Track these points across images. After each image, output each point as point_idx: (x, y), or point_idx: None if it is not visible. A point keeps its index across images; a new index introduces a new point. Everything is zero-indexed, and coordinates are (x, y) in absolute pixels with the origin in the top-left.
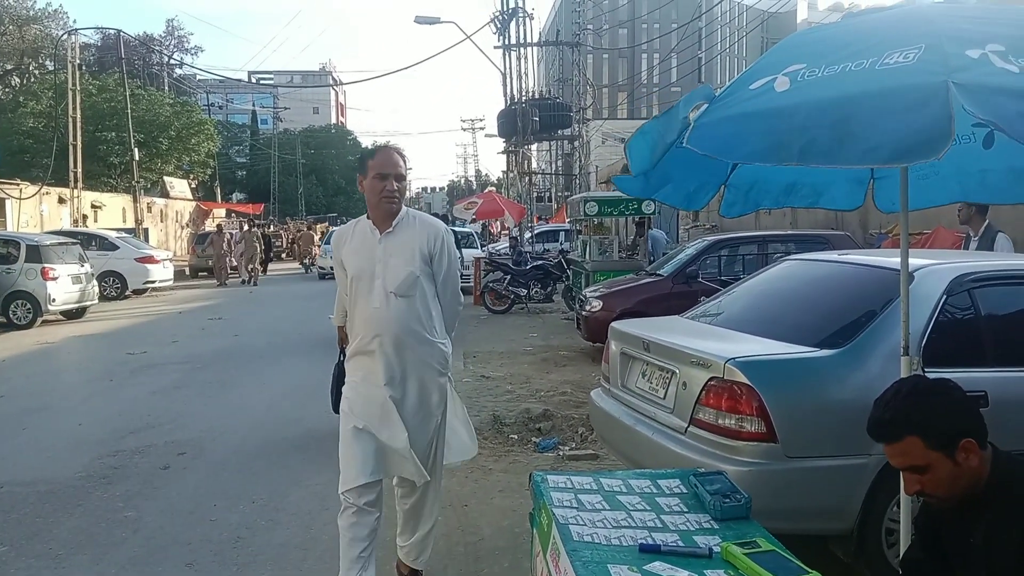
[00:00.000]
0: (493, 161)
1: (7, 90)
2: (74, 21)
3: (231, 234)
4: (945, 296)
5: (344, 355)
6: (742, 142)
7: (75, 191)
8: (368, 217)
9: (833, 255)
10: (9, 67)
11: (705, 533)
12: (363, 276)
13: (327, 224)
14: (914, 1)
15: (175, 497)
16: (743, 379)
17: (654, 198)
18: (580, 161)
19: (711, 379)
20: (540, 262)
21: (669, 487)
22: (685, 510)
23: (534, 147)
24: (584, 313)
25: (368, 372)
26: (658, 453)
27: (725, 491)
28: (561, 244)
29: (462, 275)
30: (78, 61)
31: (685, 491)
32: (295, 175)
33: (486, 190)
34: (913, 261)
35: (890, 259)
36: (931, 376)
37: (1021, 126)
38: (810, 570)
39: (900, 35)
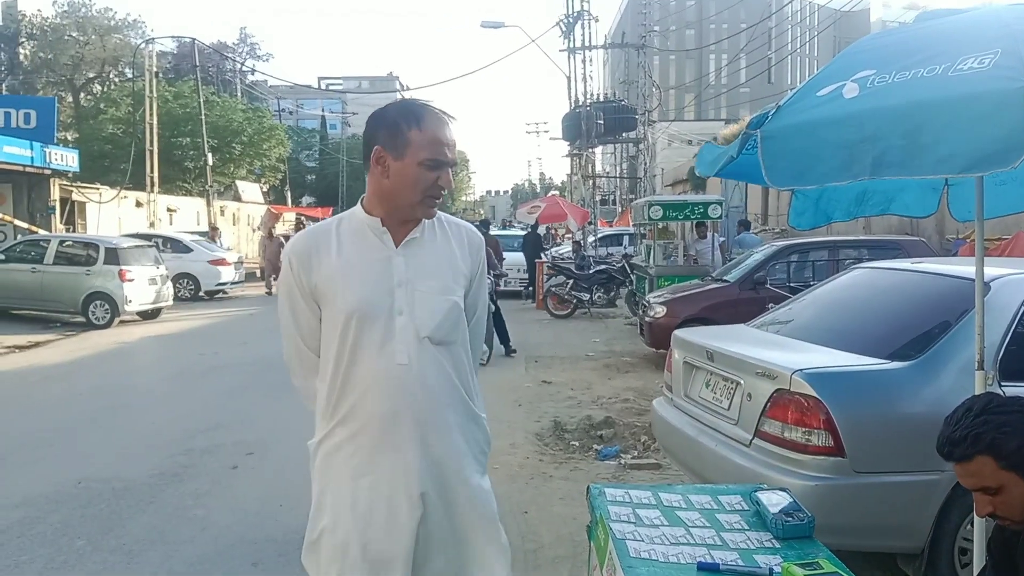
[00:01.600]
0: (557, 164)
1: (89, 98)
2: (152, 30)
3: (284, 238)
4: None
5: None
6: (815, 161)
7: (151, 195)
8: (368, 213)
9: (906, 263)
10: (91, 75)
11: (766, 552)
12: (374, 313)
13: None
14: (989, 3)
15: (242, 496)
16: (810, 391)
17: (724, 176)
18: (645, 164)
19: (777, 391)
20: (603, 266)
21: (730, 503)
22: (746, 528)
23: (599, 150)
24: (647, 319)
25: (382, 480)
26: (722, 465)
27: (788, 509)
28: (625, 248)
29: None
30: (155, 69)
31: (747, 508)
32: (363, 179)
33: (549, 194)
34: (990, 271)
35: (965, 268)
36: (1008, 392)
37: None
38: None
39: (974, 39)
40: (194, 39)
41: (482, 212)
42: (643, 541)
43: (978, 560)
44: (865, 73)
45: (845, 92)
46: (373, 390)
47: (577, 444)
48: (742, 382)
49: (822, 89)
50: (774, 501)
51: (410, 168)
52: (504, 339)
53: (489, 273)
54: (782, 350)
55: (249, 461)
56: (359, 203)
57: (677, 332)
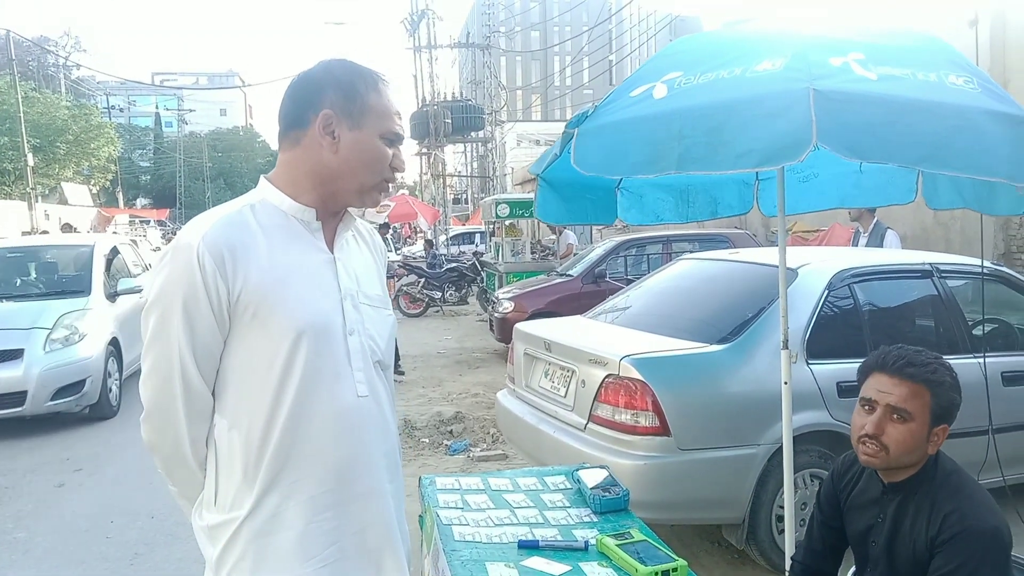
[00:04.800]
0: (409, 163)
1: None
2: None
3: None
4: (827, 291)
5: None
6: (624, 155)
7: None
8: (293, 199)
9: (725, 254)
10: None
11: (584, 526)
12: (329, 331)
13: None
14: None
15: (70, 515)
16: (637, 376)
17: (580, 223)
18: (493, 163)
19: (608, 376)
20: (454, 264)
21: (554, 483)
22: (568, 505)
23: (449, 149)
24: (497, 314)
25: (349, 554)
26: (560, 450)
27: (605, 485)
28: (476, 246)
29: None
30: None
31: (570, 487)
32: (202, 179)
33: (398, 193)
34: (798, 258)
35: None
36: (814, 369)
37: (866, 137)
38: (678, 558)
39: (770, 44)
40: (8, 30)
41: None
42: (468, 525)
43: (789, 527)
44: (673, 75)
45: (655, 93)
46: (332, 432)
47: (427, 441)
48: (577, 370)
49: (634, 90)
50: (593, 478)
51: (369, 141)
52: (396, 355)
53: None
54: (613, 338)
55: (77, 478)
56: (268, 185)
57: (518, 325)
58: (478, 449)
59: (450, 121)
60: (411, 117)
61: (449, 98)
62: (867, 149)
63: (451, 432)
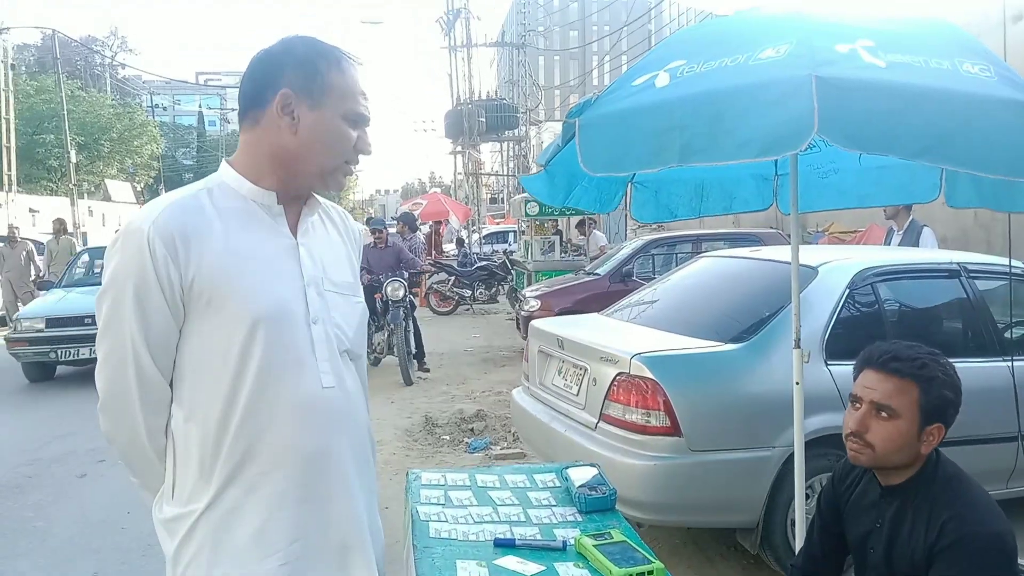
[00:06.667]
0: (447, 163)
1: None
2: (2, 22)
3: (34, 243)
4: (848, 290)
5: None
6: (628, 149)
7: (9, 195)
8: (253, 183)
9: (747, 251)
10: None
11: (567, 526)
12: (289, 320)
13: None
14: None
15: (88, 506)
16: (648, 374)
17: (567, 205)
18: (527, 162)
19: (619, 375)
20: (485, 263)
21: (543, 481)
22: (554, 503)
23: (487, 148)
24: (523, 312)
25: (312, 548)
26: (570, 449)
27: (592, 483)
28: (509, 245)
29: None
30: (12, 61)
31: (558, 485)
32: None
33: (430, 191)
34: (819, 256)
35: (801, 255)
36: (834, 370)
37: (867, 127)
38: (655, 560)
39: (775, 31)
40: (55, 30)
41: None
42: (447, 522)
43: (800, 532)
44: (677, 63)
45: (657, 81)
46: (294, 424)
47: (448, 438)
48: (588, 368)
49: (637, 79)
50: (580, 476)
51: (331, 121)
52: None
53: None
54: (626, 336)
55: (99, 468)
56: (228, 168)
57: (533, 322)
58: (498, 447)
59: (484, 120)
60: (445, 116)
61: (483, 97)
62: (867, 140)
63: (472, 430)
